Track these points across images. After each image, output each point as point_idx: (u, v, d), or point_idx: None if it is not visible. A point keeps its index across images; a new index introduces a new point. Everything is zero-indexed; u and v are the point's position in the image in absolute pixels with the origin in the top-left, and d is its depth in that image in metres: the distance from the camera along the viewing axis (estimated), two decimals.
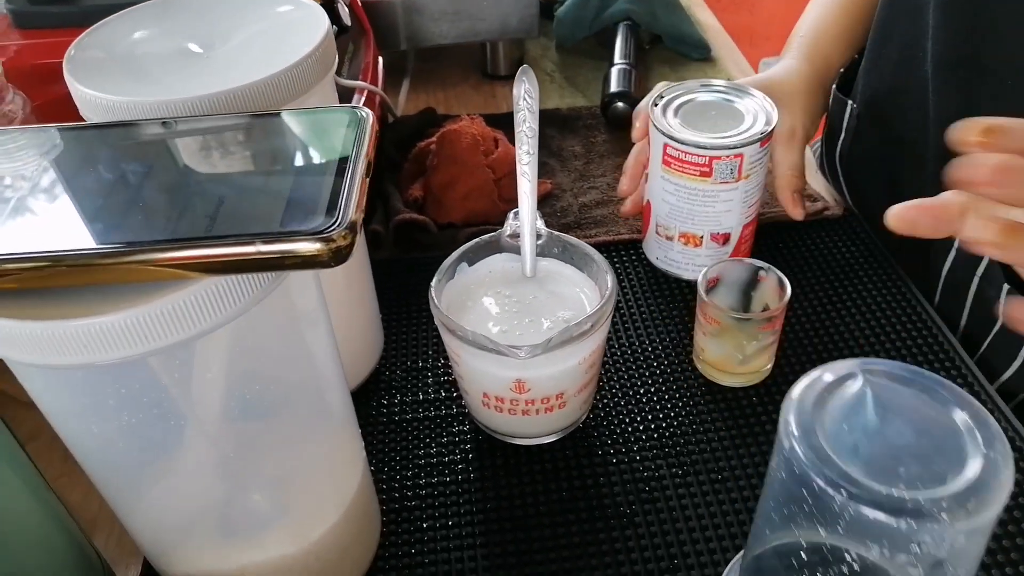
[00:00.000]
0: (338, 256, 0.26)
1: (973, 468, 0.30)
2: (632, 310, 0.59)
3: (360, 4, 0.75)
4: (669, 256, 0.60)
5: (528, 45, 0.91)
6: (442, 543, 0.45)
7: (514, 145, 0.65)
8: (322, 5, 0.60)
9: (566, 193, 0.71)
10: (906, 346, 0.55)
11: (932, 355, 0.54)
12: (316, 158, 0.30)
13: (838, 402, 0.33)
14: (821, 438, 0.31)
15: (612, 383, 0.54)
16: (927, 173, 0.60)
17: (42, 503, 0.38)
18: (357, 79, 0.65)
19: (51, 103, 0.53)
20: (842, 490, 0.29)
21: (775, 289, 0.52)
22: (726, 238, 0.58)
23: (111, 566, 0.44)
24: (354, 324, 0.52)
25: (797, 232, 0.65)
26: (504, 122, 0.75)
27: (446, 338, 0.46)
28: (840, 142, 0.72)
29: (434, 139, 0.69)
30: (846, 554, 0.31)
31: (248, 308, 0.29)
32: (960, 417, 0.31)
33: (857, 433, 0.32)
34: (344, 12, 0.62)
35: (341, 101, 0.63)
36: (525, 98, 0.48)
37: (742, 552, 0.42)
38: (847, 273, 0.61)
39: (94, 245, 0.27)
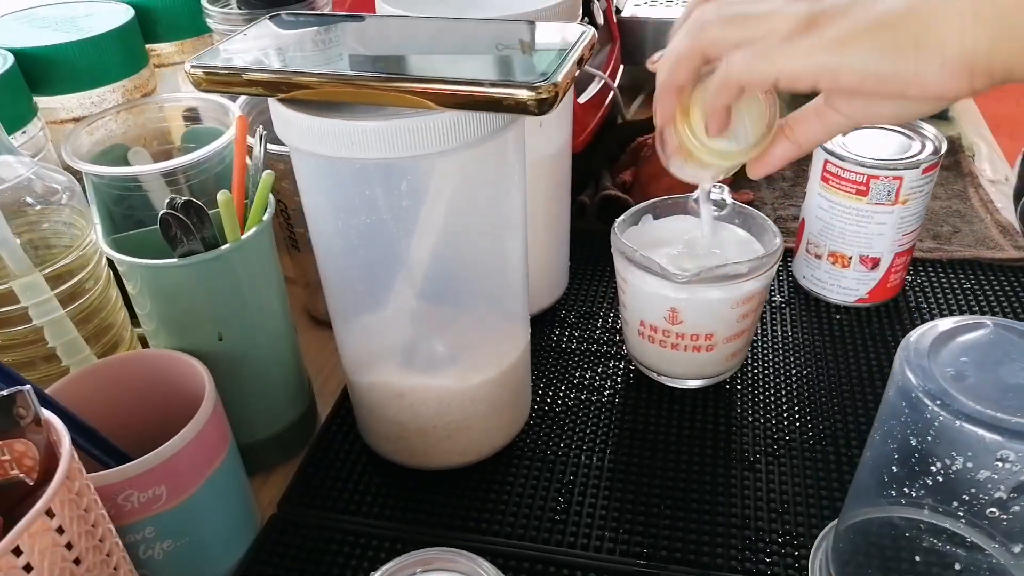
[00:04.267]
0: (542, 105, 0.34)
1: None
2: (798, 307, 0.62)
3: (615, 18, 0.84)
4: (816, 275, 0.62)
5: None
6: (576, 442, 0.51)
7: None
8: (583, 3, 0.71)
9: (766, 206, 0.75)
10: None
11: None
12: (547, 48, 0.38)
13: (960, 341, 0.35)
14: (931, 362, 0.34)
15: (765, 358, 0.57)
16: None
17: (286, 313, 0.49)
18: (598, 70, 0.75)
19: None
20: (936, 400, 0.32)
21: None
22: (876, 262, 0.59)
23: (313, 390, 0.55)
24: (543, 259, 0.60)
25: (994, 273, 0.64)
26: None
27: (618, 264, 0.52)
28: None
29: (652, 135, 0.76)
30: (931, 465, 0.33)
31: (467, 147, 0.37)
32: None
33: (970, 367, 0.34)
34: (599, 12, 0.72)
35: (578, 87, 0.72)
36: None
37: (834, 522, 0.44)
38: None
39: (372, 74, 0.37)
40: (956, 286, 0.64)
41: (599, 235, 0.70)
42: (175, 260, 0.41)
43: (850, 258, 0.59)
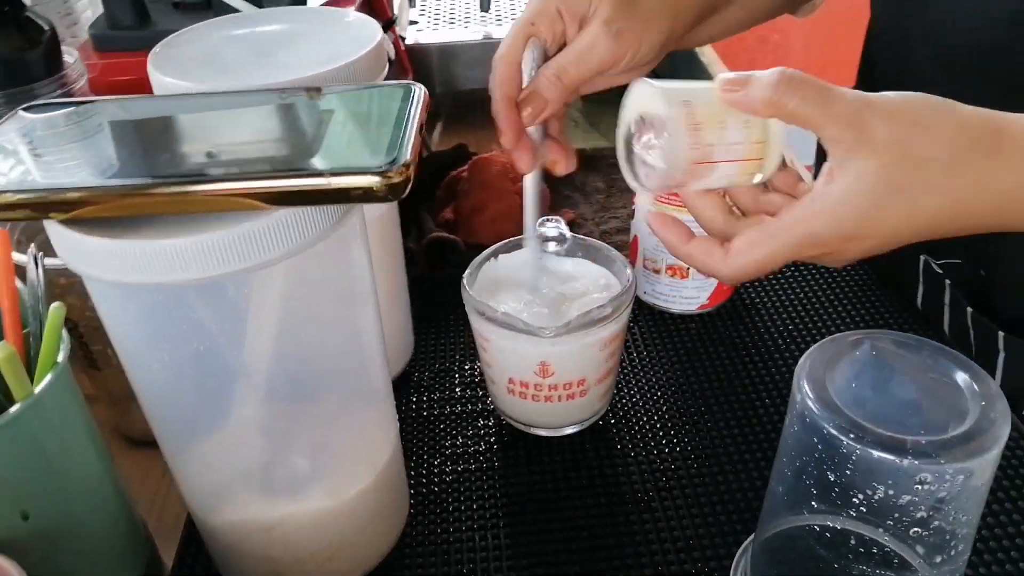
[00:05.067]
0: (394, 191, 0.30)
1: (971, 419, 0.32)
2: (645, 324, 0.62)
3: (403, 48, 0.81)
4: (656, 289, 0.62)
5: None
6: (467, 523, 0.47)
7: None
8: None
9: (588, 222, 0.75)
10: None
11: None
12: (377, 118, 0.34)
13: (847, 363, 0.35)
14: (831, 392, 0.34)
15: (630, 386, 0.56)
16: None
17: (105, 465, 0.40)
18: None
19: None
20: (850, 435, 0.32)
21: None
22: None
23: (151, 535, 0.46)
24: (387, 325, 0.55)
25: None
26: None
27: (476, 324, 0.49)
28: None
29: (466, 167, 0.73)
30: (853, 497, 0.33)
31: (309, 246, 0.32)
32: (962, 378, 0.34)
33: (865, 389, 0.34)
34: (390, 48, 0.68)
35: None
36: None
37: (752, 535, 0.44)
38: (844, 301, 0.64)
39: (177, 176, 0.30)
40: (780, 276, 0.67)
41: (433, 281, 0.66)
42: None
43: (688, 269, 0.60)
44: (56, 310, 0.35)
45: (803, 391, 0.34)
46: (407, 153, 0.31)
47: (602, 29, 0.43)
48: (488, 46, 0.88)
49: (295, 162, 0.31)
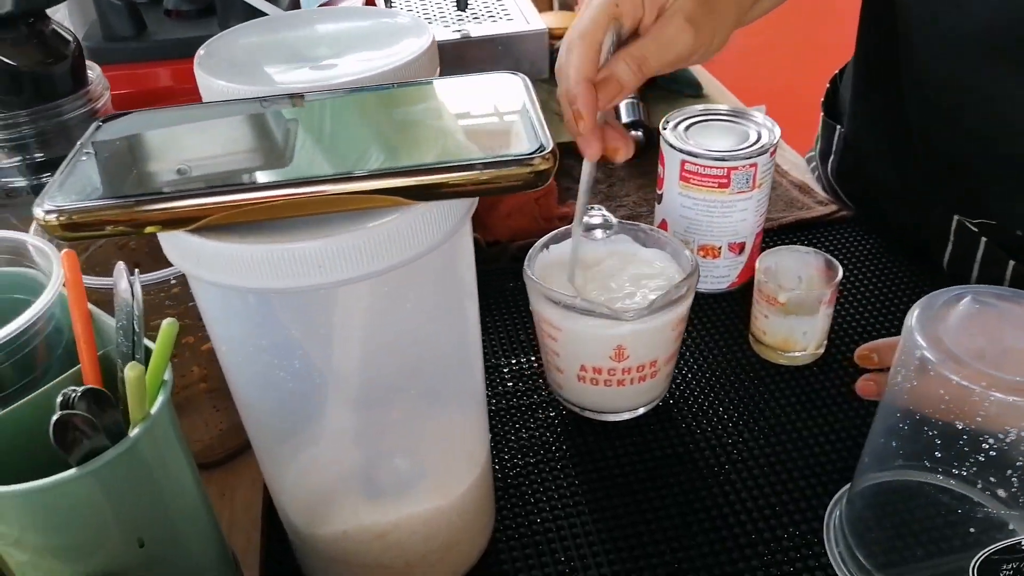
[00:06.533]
0: (541, 177, 0.30)
1: None
2: None
3: None
4: None
5: (539, 87, 0.97)
6: (553, 512, 0.47)
7: None
8: None
9: None
10: None
11: None
12: (503, 107, 0.34)
13: (955, 318, 0.37)
14: (949, 345, 0.35)
15: (680, 367, 0.57)
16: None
17: (200, 488, 0.39)
18: None
19: None
20: (981, 383, 0.33)
21: (824, 271, 0.56)
22: (742, 247, 0.62)
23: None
24: None
25: (818, 232, 0.71)
26: None
27: (545, 312, 0.48)
28: (831, 161, 0.78)
29: None
30: (983, 443, 0.34)
31: (439, 244, 0.31)
32: None
33: (977, 340, 0.36)
34: None
35: None
36: None
37: (846, 487, 0.45)
38: (869, 265, 0.67)
39: (324, 175, 0.29)
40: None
41: None
42: (74, 472, 0.30)
43: (719, 248, 0.61)
44: (169, 326, 0.34)
45: (920, 346, 0.35)
46: (549, 140, 0.30)
47: (685, 23, 0.44)
48: (466, 45, 0.87)
49: (439, 156, 0.31)
